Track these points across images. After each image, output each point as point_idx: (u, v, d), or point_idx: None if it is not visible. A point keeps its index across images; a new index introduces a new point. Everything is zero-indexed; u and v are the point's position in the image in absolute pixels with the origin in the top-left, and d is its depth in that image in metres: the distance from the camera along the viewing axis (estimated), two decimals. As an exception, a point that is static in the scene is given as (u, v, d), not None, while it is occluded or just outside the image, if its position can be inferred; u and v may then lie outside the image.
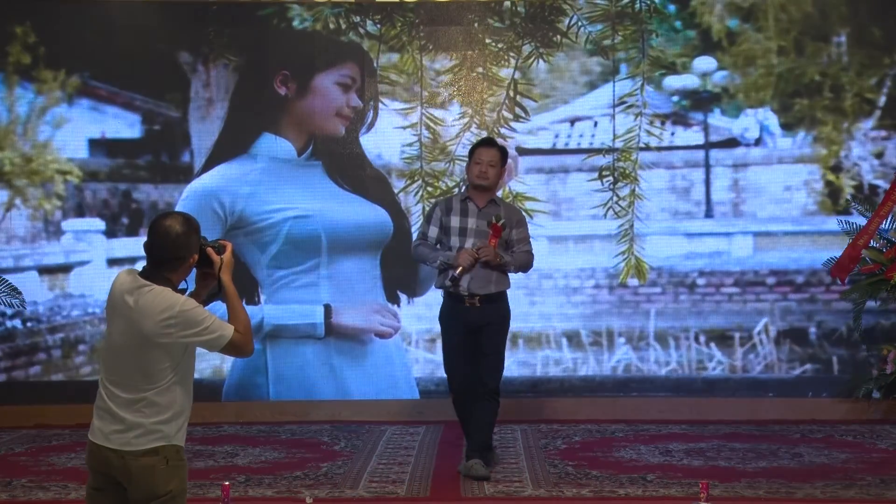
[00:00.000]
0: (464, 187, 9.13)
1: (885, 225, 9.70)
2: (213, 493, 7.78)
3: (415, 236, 8.93)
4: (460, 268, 8.08)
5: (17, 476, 8.38)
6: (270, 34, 10.49)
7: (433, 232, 8.39)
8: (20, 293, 9.77)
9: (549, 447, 9.31)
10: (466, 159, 8.53)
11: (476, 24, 10.49)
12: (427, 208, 9.86)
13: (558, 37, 10.42)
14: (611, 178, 10.49)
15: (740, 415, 10.28)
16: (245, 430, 10.09)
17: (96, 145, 10.61)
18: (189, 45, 10.51)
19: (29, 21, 10.43)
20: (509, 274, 8.41)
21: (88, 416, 10.02)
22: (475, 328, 8.27)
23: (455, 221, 8.31)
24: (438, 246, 8.36)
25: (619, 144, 10.48)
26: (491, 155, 8.29)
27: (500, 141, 9.09)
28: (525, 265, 8.45)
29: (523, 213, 8.58)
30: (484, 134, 10.08)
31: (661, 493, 7.83)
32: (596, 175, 10.51)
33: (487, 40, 10.48)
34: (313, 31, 10.49)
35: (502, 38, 10.48)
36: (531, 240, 8.50)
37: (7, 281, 9.72)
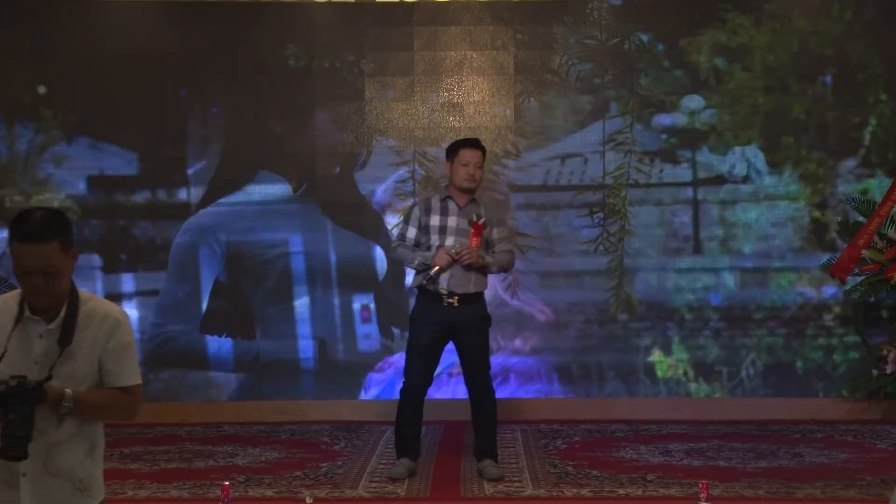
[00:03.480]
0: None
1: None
2: (213, 493, 7.75)
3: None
4: (437, 267, 8.13)
5: (17, 475, 8.31)
6: (267, 72, 10.67)
7: (412, 233, 8.37)
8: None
9: (549, 447, 9.32)
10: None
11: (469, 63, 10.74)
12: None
13: (549, 75, 10.65)
14: (601, 215, 10.64)
15: (740, 415, 10.34)
16: (245, 430, 10.06)
17: (95, 182, 10.70)
18: (187, 82, 10.67)
19: (29, 59, 10.61)
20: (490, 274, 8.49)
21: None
22: (451, 327, 8.27)
23: (435, 220, 8.31)
24: (417, 247, 8.36)
25: (608, 181, 10.63)
26: (477, 156, 8.35)
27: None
28: (506, 265, 8.49)
29: (504, 213, 8.61)
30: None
31: (661, 493, 7.82)
32: (586, 211, 10.65)
33: (479, 78, 10.71)
34: (308, 69, 10.67)
35: (497, 89, 10.72)
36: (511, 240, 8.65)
37: (7, 281, 9.73)
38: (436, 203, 8.38)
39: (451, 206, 8.34)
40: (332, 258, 10.62)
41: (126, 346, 4.44)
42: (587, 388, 10.65)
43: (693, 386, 10.61)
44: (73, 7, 10.60)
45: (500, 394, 10.37)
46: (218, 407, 10.50)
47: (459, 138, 8.87)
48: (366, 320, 10.61)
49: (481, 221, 8.19)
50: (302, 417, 10.42)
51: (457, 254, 8.12)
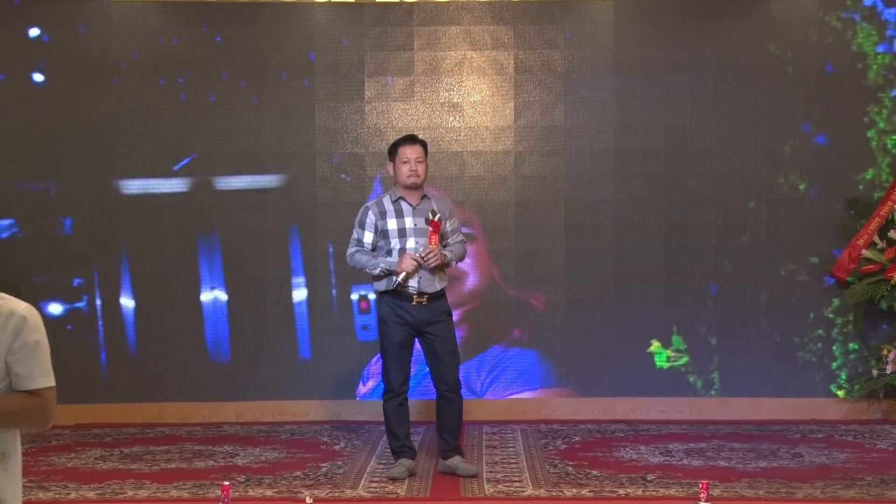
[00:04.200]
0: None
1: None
2: (213, 493, 7.74)
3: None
4: (404, 273, 8.15)
5: (17, 475, 8.31)
6: (267, 71, 10.66)
7: (369, 237, 8.38)
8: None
9: (549, 447, 9.32)
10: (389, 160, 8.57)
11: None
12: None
13: (549, 75, 10.62)
14: (600, 211, 10.67)
15: (740, 415, 10.37)
16: (245, 430, 10.10)
17: (92, 180, 10.69)
18: (187, 82, 10.65)
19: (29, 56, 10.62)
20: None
21: (88, 415, 10.07)
22: (418, 326, 8.33)
23: (392, 224, 8.32)
24: (375, 250, 8.38)
25: (607, 181, 10.63)
26: (417, 152, 8.37)
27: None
28: (461, 255, 8.58)
29: (451, 204, 8.68)
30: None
31: (661, 493, 7.79)
32: (585, 210, 10.67)
33: (479, 78, 10.71)
34: (308, 69, 10.64)
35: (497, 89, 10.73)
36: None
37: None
38: (389, 206, 8.39)
39: (405, 207, 8.36)
40: (331, 250, 10.61)
41: (34, 345, 4.00)
42: (587, 388, 10.65)
43: (693, 385, 10.60)
44: (74, 6, 10.59)
45: (499, 393, 10.41)
46: (218, 407, 10.51)
47: (398, 137, 8.85)
48: (364, 311, 10.63)
49: (437, 218, 8.21)
50: (302, 417, 10.47)
51: (422, 258, 8.16)
